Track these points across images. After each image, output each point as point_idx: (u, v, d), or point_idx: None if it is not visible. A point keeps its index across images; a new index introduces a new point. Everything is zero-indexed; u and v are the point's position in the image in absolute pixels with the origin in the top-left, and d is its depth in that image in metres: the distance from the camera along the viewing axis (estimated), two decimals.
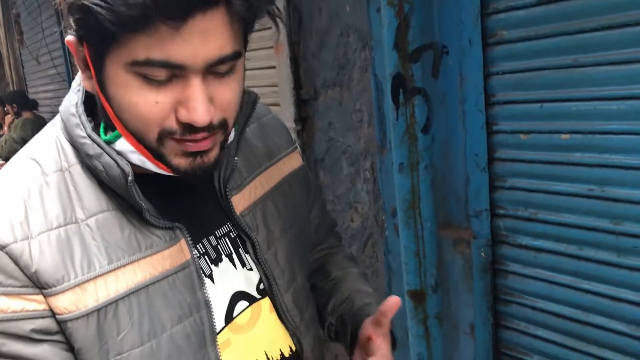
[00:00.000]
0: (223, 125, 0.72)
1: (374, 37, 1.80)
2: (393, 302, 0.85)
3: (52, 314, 0.70)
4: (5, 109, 6.41)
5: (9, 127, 6.21)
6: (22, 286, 0.68)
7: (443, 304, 1.79)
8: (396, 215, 1.78)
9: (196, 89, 0.66)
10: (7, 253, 0.67)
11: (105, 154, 0.71)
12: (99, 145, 0.72)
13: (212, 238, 0.84)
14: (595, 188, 1.36)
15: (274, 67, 2.34)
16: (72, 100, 0.76)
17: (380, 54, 1.71)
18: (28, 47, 7.32)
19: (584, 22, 1.29)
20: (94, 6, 0.60)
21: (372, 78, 1.86)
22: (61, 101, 0.80)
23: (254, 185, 0.89)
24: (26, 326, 0.68)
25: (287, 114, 2.28)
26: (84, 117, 0.74)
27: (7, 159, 6.26)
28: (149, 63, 0.63)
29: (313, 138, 2.27)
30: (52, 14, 6.37)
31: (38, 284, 0.68)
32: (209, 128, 0.69)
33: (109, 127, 0.73)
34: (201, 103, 0.66)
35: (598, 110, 1.31)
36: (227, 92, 0.70)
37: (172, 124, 0.68)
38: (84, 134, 0.73)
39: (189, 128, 0.68)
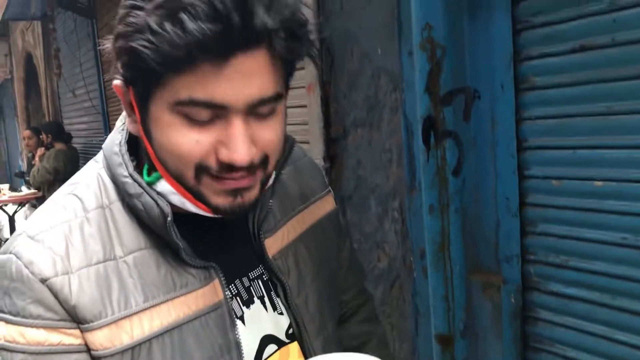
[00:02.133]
0: (264, 163, 0.72)
1: (405, 79, 1.82)
2: None
3: (87, 349, 0.71)
4: (41, 137, 6.58)
5: (40, 158, 6.36)
6: (60, 320, 0.69)
7: (471, 350, 1.76)
8: (424, 257, 1.77)
9: (237, 128, 0.67)
10: (47, 286, 0.69)
11: (145, 193, 0.73)
12: (139, 184, 0.74)
13: (245, 279, 0.85)
14: (630, 237, 1.33)
15: (305, 106, 2.37)
16: (115, 140, 0.78)
17: (411, 97, 1.72)
18: (65, 79, 7.55)
19: (618, 71, 1.29)
20: (140, 47, 0.62)
21: (402, 119, 1.87)
22: (94, 133, 0.83)
23: (287, 228, 0.90)
24: None
25: (316, 152, 2.30)
26: (126, 157, 0.76)
27: (38, 189, 6.40)
28: (192, 102, 0.65)
29: (341, 176, 2.29)
30: (90, 49, 6.59)
31: (76, 319, 0.70)
32: (249, 167, 0.69)
33: (152, 170, 0.75)
34: (242, 143, 0.67)
35: (633, 159, 1.30)
36: (269, 133, 0.71)
37: (210, 161, 0.69)
38: (126, 173, 0.75)
39: (227, 167, 0.69)
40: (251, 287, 0.85)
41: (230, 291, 0.82)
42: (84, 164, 0.87)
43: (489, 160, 1.60)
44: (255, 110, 0.68)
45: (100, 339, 0.70)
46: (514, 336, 1.62)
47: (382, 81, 1.97)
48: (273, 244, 0.87)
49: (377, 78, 1.99)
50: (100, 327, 0.70)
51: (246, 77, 0.65)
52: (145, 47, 0.62)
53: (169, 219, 0.72)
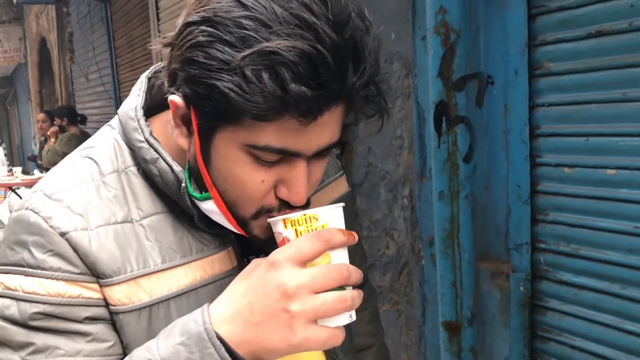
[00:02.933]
0: None
1: (418, 65, 1.81)
2: None
3: (106, 304, 0.71)
4: (55, 122, 6.63)
5: (55, 138, 6.40)
6: (80, 273, 0.70)
7: (478, 338, 1.75)
8: (433, 245, 1.77)
9: (301, 172, 0.69)
10: (67, 240, 0.69)
11: (160, 159, 0.74)
12: (155, 149, 0.74)
13: (263, 256, 0.85)
14: None
15: None
16: (131, 105, 0.78)
17: (424, 82, 1.71)
18: (78, 64, 7.58)
19: (633, 57, 1.27)
20: (228, 90, 0.60)
21: (414, 105, 1.86)
22: (107, 117, 0.82)
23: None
24: (81, 313, 0.70)
25: None
26: (142, 121, 0.76)
27: (47, 170, 6.45)
28: (266, 149, 0.66)
29: (352, 163, 2.28)
30: (104, 33, 6.60)
31: (95, 273, 0.70)
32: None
33: (192, 174, 0.75)
34: (304, 185, 0.69)
35: None
36: (320, 170, 0.73)
37: (272, 200, 0.71)
38: (142, 138, 0.75)
39: (285, 204, 0.71)
40: None
41: (244, 263, 0.82)
42: None
43: (500, 147, 1.59)
44: (319, 153, 0.70)
45: (119, 295, 0.71)
46: (522, 325, 1.61)
47: (395, 66, 1.95)
48: None
49: (390, 63, 1.97)
50: (119, 283, 0.71)
51: (322, 129, 0.66)
52: (233, 90, 0.60)
53: (183, 185, 0.73)
